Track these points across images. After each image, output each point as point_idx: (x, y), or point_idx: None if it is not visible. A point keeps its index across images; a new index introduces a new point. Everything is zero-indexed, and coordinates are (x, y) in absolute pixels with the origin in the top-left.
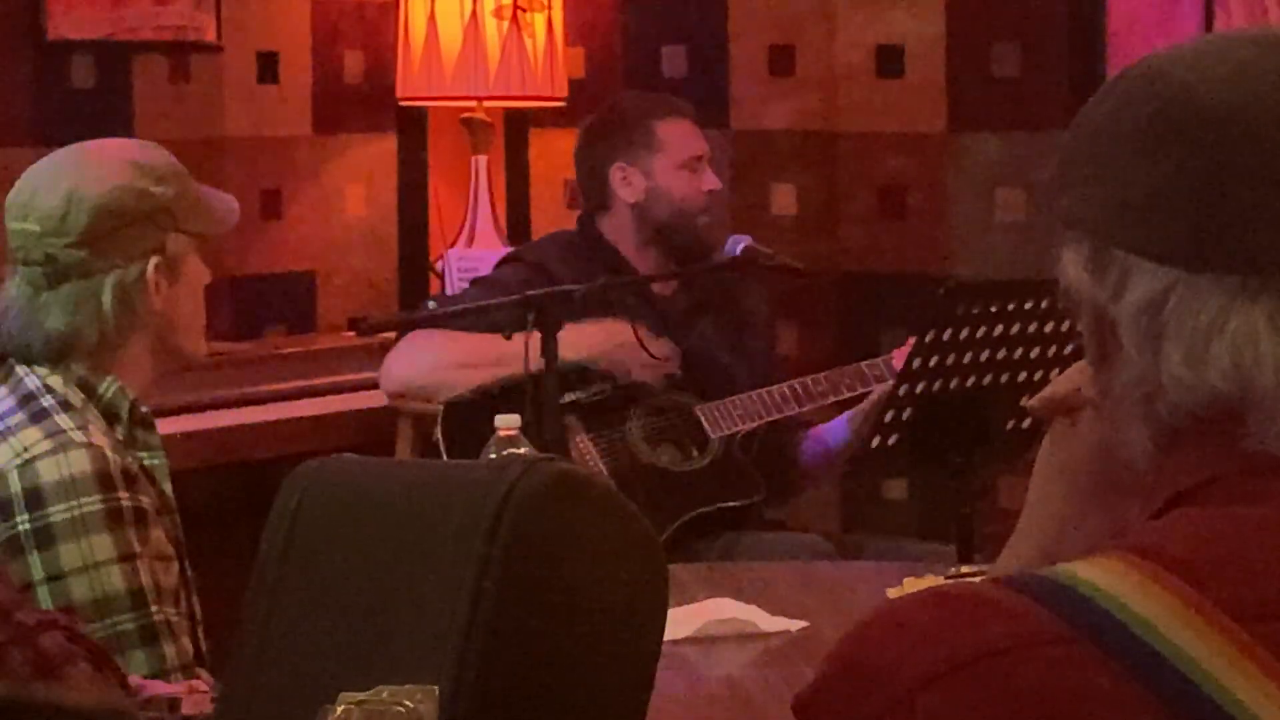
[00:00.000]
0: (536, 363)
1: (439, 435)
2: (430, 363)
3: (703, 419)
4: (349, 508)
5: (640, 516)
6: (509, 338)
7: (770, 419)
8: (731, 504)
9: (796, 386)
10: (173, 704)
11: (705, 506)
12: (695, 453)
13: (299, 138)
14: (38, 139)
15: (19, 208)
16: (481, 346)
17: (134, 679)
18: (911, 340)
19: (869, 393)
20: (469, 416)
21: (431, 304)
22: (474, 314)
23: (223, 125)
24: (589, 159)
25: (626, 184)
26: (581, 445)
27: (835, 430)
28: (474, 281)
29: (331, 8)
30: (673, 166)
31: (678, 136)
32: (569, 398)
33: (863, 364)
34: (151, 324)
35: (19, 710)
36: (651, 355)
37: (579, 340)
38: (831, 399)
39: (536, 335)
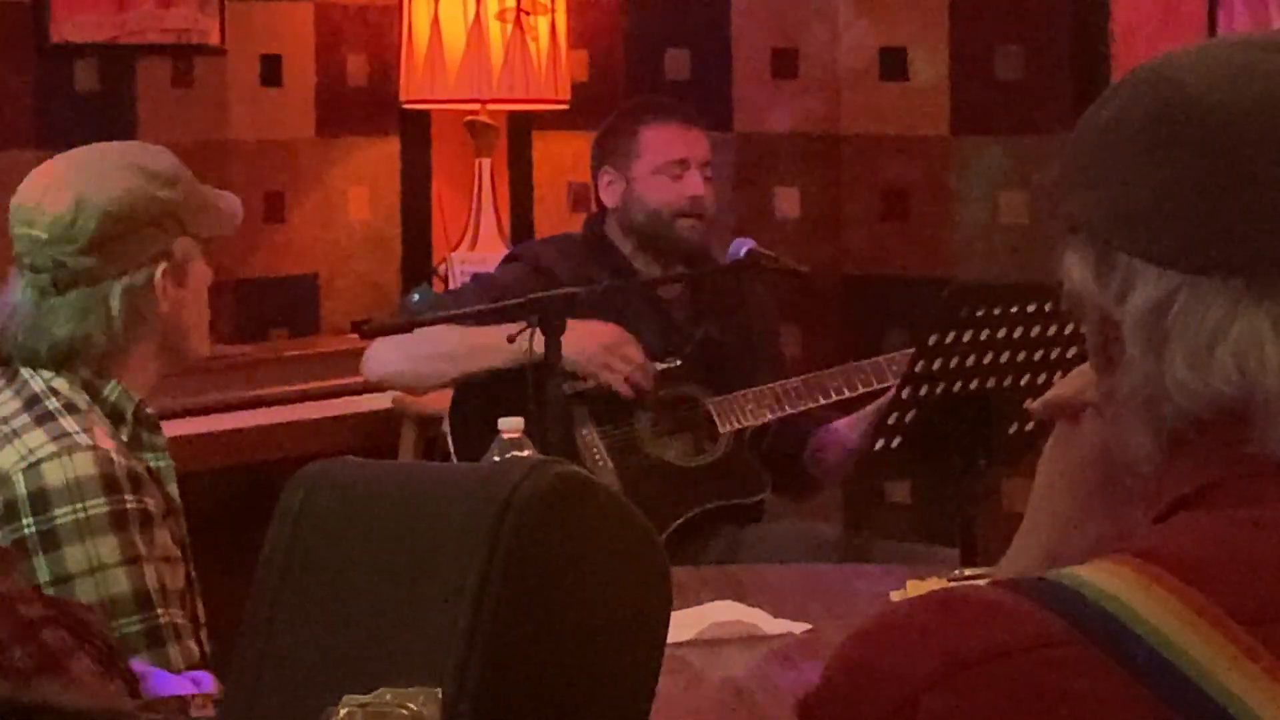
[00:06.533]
0: (532, 357)
1: (447, 428)
2: (400, 353)
3: (713, 412)
4: (352, 510)
5: (643, 519)
6: (512, 340)
7: (782, 414)
8: (736, 501)
9: (810, 380)
10: (182, 705)
11: (710, 503)
12: (705, 447)
13: (302, 141)
14: (41, 142)
15: (25, 214)
16: (455, 337)
17: (140, 666)
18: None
19: (885, 388)
20: (477, 410)
21: (416, 296)
22: (477, 317)
23: (226, 128)
24: (591, 162)
25: (609, 188)
26: (588, 437)
27: (850, 427)
28: (474, 278)
29: (335, 11)
30: (649, 171)
31: (658, 141)
32: (578, 388)
33: (880, 358)
34: (158, 328)
35: (15, 711)
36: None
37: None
38: (846, 394)
39: (536, 333)
